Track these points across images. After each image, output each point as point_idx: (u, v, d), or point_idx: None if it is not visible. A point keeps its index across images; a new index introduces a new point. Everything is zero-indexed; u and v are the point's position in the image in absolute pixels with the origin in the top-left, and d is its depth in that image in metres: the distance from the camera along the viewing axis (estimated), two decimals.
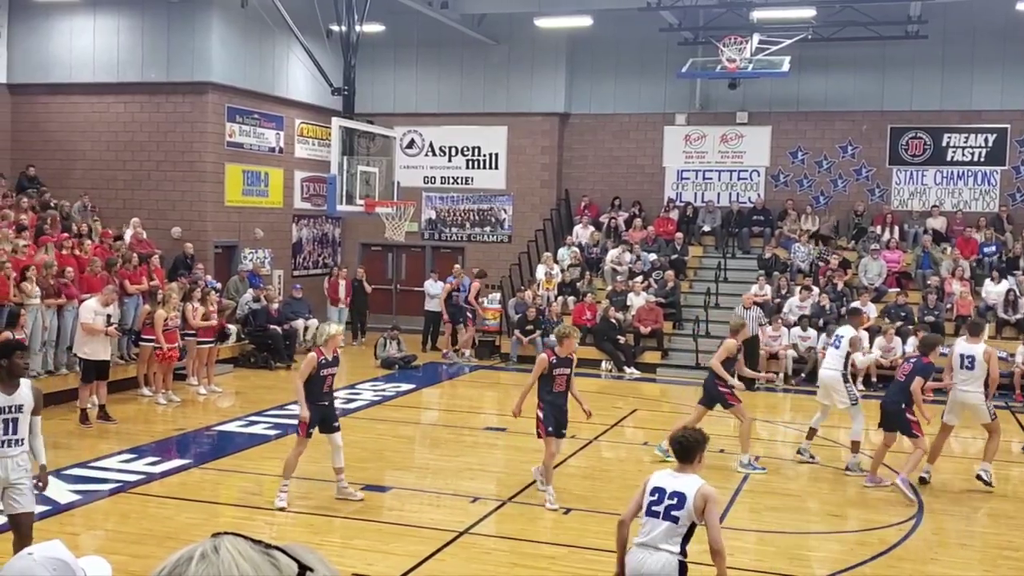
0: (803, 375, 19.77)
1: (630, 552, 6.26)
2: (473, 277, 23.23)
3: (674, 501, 6.14)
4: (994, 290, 20.69)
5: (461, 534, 9.90)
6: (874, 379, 19.03)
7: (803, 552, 9.60)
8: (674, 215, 24.67)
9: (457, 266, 23.96)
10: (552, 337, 14.28)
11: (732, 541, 9.98)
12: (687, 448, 6.29)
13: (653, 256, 23.13)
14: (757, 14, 21.33)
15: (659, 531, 6.14)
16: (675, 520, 6.12)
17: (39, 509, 10.32)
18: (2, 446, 7.24)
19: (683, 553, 6.16)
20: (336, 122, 16.81)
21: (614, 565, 6.20)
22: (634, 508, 6.34)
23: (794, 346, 20.06)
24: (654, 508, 6.20)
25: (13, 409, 7.25)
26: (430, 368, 21.11)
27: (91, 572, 2.65)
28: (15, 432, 7.28)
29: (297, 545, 1.33)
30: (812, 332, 20.04)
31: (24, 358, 7.63)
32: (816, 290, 21.23)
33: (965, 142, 23.61)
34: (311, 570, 1.27)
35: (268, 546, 1.28)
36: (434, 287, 23.15)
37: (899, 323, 19.88)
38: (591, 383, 19.79)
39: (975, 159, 23.58)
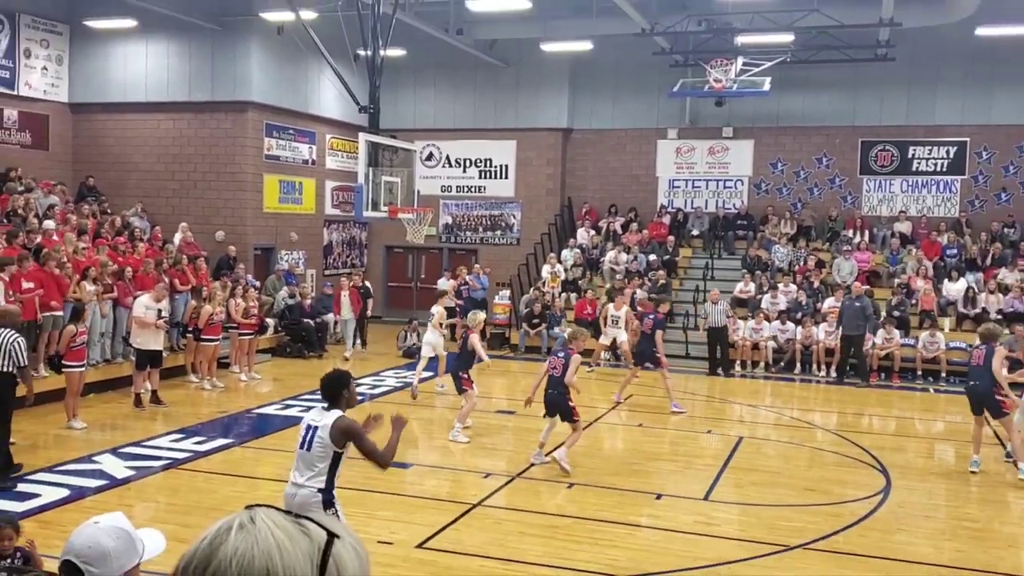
0: (782, 364, 19.76)
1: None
2: (486, 274, 23.19)
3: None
4: (954, 288, 20.71)
5: (475, 506, 9.92)
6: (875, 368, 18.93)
7: (782, 523, 9.58)
8: (666, 220, 24.63)
9: (477, 266, 23.86)
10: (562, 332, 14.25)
11: (718, 512, 10.01)
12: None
13: (653, 256, 23.07)
14: (741, 39, 21.27)
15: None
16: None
17: (99, 483, 10.41)
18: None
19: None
20: (363, 137, 16.80)
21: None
22: None
23: (774, 338, 20.02)
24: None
25: None
26: (447, 357, 21.00)
27: (148, 542, 2.67)
28: None
29: (324, 515, 1.34)
30: (791, 325, 19.99)
31: (354, 387, 6.63)
32: (793, 287, 21.20)
33: (929, 154, 23.51)
34: (338, 537, 1.28)
35: (298, 516, 1.29)
36: (446, 284, 23.14)
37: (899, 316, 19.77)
38: (591, 372, 19.77)
39: (938, 169, 23.49)
